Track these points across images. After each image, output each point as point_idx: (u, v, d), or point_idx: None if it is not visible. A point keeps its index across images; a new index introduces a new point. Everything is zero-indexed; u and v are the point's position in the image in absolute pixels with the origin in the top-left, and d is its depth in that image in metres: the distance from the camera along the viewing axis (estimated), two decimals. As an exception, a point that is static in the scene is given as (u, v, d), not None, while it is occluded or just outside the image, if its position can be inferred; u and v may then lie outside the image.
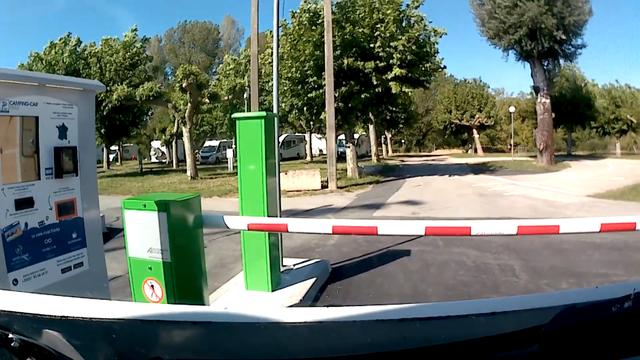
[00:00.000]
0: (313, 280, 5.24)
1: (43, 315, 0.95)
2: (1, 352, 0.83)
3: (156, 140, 49.82)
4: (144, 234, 3.09)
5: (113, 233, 9.86)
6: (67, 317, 0.95)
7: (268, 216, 4.69)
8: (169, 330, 0.95)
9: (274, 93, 5.47)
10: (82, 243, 3.13)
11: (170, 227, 2.99)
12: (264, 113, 4.51)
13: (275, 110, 5.46)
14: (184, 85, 21.61)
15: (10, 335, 0.85)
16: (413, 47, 18.22)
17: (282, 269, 5.50)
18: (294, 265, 5.80)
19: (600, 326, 0.82)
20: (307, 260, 6.08)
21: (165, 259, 3.05)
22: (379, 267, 6.26)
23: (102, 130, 30.70)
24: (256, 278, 4.82)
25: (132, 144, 53.23)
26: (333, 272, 6.04)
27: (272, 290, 4.83)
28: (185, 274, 3.19)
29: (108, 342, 0.90)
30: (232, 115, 4.78)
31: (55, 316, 0.95)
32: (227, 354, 0.92)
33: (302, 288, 5.02)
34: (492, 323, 0.91)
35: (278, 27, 6.11)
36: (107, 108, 25.43)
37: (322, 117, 18.76)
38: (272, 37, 19.48)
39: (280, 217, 5.71)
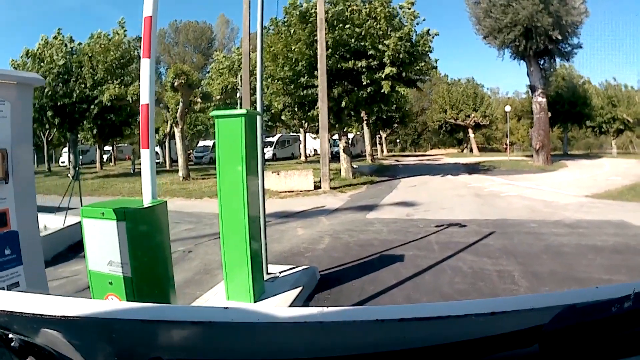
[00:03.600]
0: (299, 289, 4.90)
1: (43, 315, 0.94)
2: (1, 352, 0.84)
3: (150, 140, 49.34)
4: (103, 246, 2.76)
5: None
6: (67, 317, 0.94)
7: (249, 218, 4.35)
8: (169, 330, 0.94)
9: (258, 90, 5.13)
10: (18, 260, 2.73)
11: (130, 238, 2.65)
12: (244, 110, 4.16)
13: (258, 108, 5.12)
14: (175, 84, 21.25)
15: (10, 335, 0.86)
16: (407, 45, 17.92)
17: (266, 276, 5.17)
18: (280, 272, 5.45)
19: (600, 326, 0.82)
20: (294, 267, 5.72)
21: (126, 274, 2.72)
22: (370, 274, 5.92)
23: (95, 131, 30.31)
24: (237, 288, 4.47)
25: (126, 144, 52.88)
26: (322, 279, 5.70)
27: (255, 301, 4.49)
28: (148, 289, 2.85)
29: (108, 342, 0.90)
30: (211, 113, 4.45)
31: (55, 316, 0.94)
32: (227, 354, 0.91)
33: (286, 298, 4.68)
34: (492, 323, 0.90)
35: (262, 24, 5.74)
36: (97, 107, 25.05)
37: (311, 114, 18.49)
38: (265, 35, 19.25)
39: (265, 219, 5.38)
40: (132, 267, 2.66)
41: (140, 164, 3.00)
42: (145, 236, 2.80)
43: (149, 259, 2.84)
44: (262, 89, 5.25)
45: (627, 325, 0.82)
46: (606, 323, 0.83)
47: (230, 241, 4.39)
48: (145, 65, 3.01)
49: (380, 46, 17.64)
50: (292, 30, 18.39)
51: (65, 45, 25.68)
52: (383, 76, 17.78)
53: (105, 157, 47.79)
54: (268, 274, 5.27)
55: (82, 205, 10.14)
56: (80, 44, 26.42)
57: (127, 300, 2.74)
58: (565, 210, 11.01)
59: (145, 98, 2.93)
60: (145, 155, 2.96)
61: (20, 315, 0.94)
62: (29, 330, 0.89)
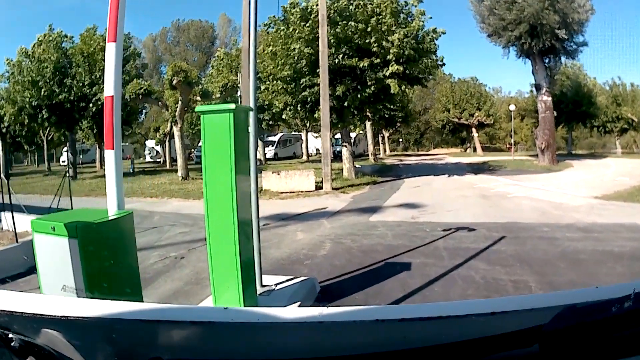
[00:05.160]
0: (296, 305, 4.44)
1: (43, 315, 0.94)
2: (1, 352, 0.85)
3: (150, 139, 49.05)
4: (56, 266, 2.29)
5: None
6: (67, 317, 0.95)
7: (238, 224, 3.87)
8: (169, 330, 0.95)
9: (250, 84, 4.64)
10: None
11: (84, 258, 2.16)
12: (232, 105, 3.67)
13: (251, 104, 4.63)
14: (174, 82, 20.80)
15: (10, 335, 0.86)
16: (412, 42, 17.46)
17: (261, 289, 4.70)
18: (276, 284, 4.97)
19: (600, 326, 0.83)
20: (292, 278, 5.22)
21: (82, 301, 2.24)
22: (375, 285, 5.45)
23: (95, 130, 29.90)
24: (227, 303, 3.99)
25: (127, 144, 52.64)
26: (322, 291, 5.24)
27: (247, 319, 4.01)
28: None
29: (108, 342, 0.91)
30: (196, 109, 3.99)
31: (55, 316, 0.95)
32: (227, 354, 0.93)
33: (282, 315, 4.21)
34: (492, 323, 0.90)
35: (256, 15, 5.25)
36: (96, 106, 24.63)
37: (316, 115, 18.02)
38: (266, 34, 18.79)
39: (259, 224, 4.90)
40: (89, 293, 2.19)
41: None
42: (102, 256, 2.30)
43: (109, 284, 2.35)
44: (256, 84, 4.78)
45: (627, 325, 0.82)
46: (606, 323, 0.82)
47: (218, 250, 3.92)
48: (110, 51, 2.54)
49: (384, 43, 17.15)
50: (291, 28, 17.91)
51: (51, 41, 25.22)
52: (387, 74, 17.32)
53: (105, 156, 47.52)
54: (262, 286, 4.80)
55: (71, 207, 9.77)
56: (72, 38, 25.97)
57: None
58: (576, 213, 10.58)
59: (109, 89, 2.47)
60: (109, 157, 2.48)
61: (20, 315, 0.94)
62: (29, 330, 0.88)
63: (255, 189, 4.65)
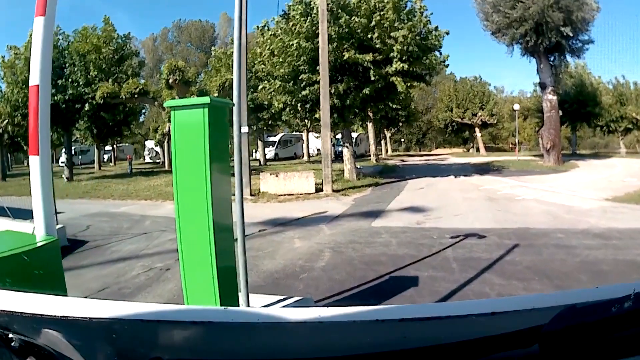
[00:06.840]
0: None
1: (43, 315, 0.94)
2: (1, 352, 0.85)
3: (150, 140, 48.65)
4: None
5: (78, 245, 8.63)
6: (67, 317, 0.94)
7: (215, 234, 3.25)
8: (169, 330, 0.93)
9: (234, 80, 4.04)
10: None
11: None
12: (207, 99, 3.09)
13: (235, 100, 4.03)
14: (170, 81, 20.29)
15: (10, 335, 0.87)
16: (417, 38, 16.90)
17: (248, 313, 4.13)
18: (265, 306, 4.41)
19: (600, 326, 0.82)
20: (285, 299, 4.62)
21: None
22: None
23: (94, 130, 29.40)
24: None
25: (127, 144, 52.27)
26: (319, 313, 4.67)
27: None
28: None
29: (108, 342, 0.90)
30: (165, 104, 3.41)
31: (55, 316, 0.94)
32: (227, 354, 0.92)
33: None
34: (492, 323, 0.89)
35: (241, 9, 4.67)
36: (90, 106, 24.08)
37: (316, 115, 17.47)
38: (262, 34, 18.17)
39: (244, 233, 4.23)
40: None
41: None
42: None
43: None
44: (241, 77, 4.19)
45: (627, 325, 0.81)
46: (606, 323, 0.82)
47: (192, 266, 3.33)
48: (38, 27, 1.94)
49: (387, 40, 16.59)
50: (291, 24, 17.38)
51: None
52: (390, 72, 16.76)
53: (106, 157, 47.16)
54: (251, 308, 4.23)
55: (55, 211, 9.19)
56: (63, 32, 25.42)
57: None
58: (589, 217, 10.01)
59: (35, 76, 1.85)
60: (34, 166, 1.86)
61: (20, 315, 0.93)
62: (29, 330, 0.88)
63: (240, 195, 4.03)
